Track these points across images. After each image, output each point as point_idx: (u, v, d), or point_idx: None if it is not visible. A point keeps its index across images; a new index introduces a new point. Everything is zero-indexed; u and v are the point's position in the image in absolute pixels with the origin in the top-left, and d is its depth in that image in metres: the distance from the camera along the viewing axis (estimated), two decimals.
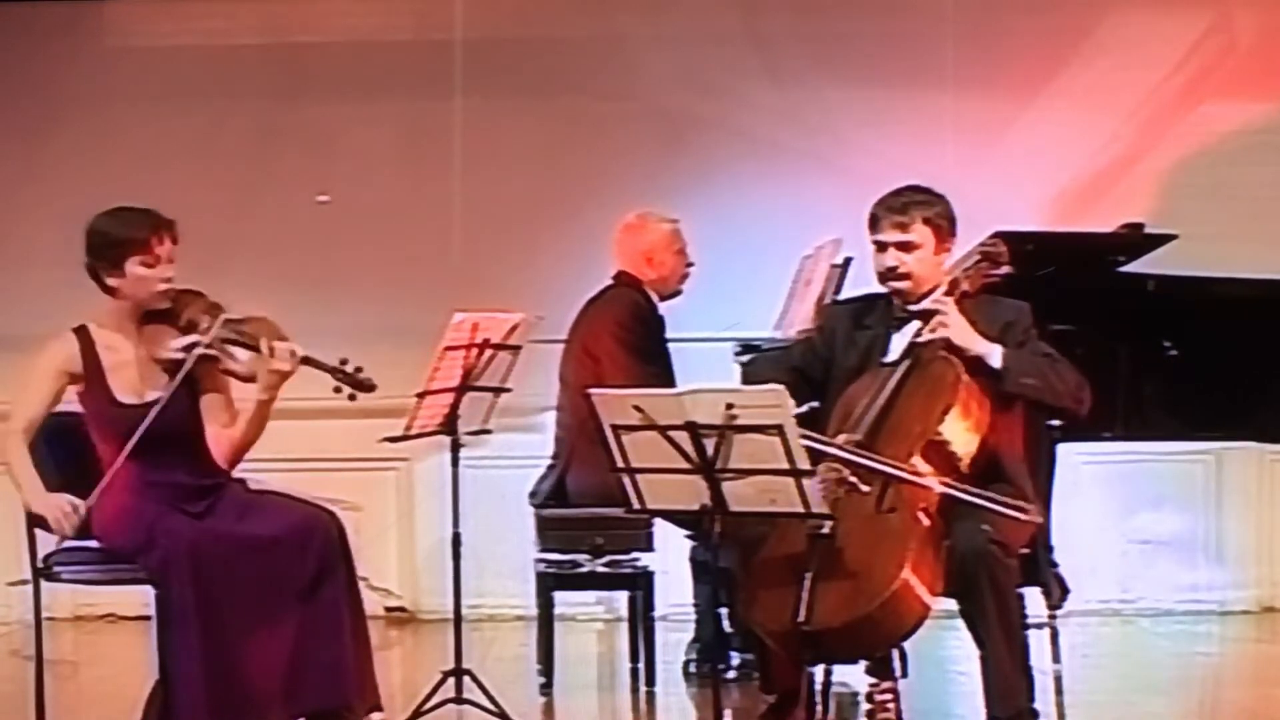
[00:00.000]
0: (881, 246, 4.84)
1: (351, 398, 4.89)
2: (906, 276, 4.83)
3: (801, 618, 4.28)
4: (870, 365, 4.86)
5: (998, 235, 4.97)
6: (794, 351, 5.23)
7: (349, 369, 4.89)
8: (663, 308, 6.36)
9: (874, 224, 4.86)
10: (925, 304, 4.80)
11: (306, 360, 4.86)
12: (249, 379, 4.95)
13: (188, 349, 4.89)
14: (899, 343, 4.82)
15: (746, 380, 4.99)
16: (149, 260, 4.90)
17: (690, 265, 6.42)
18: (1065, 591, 4.94)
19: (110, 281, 4.94)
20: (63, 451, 5.04)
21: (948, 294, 4.76)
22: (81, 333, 4.96)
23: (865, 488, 4.46)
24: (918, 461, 4.53)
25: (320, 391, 5.04)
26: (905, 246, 4.81)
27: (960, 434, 4.58)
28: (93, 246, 4.95)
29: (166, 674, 4.74)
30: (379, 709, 5.03)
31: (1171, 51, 7.77)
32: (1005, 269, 4.77)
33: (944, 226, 4.84)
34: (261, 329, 4.90)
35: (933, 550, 4.46)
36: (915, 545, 4.38)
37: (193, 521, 4.85)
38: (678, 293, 6.42)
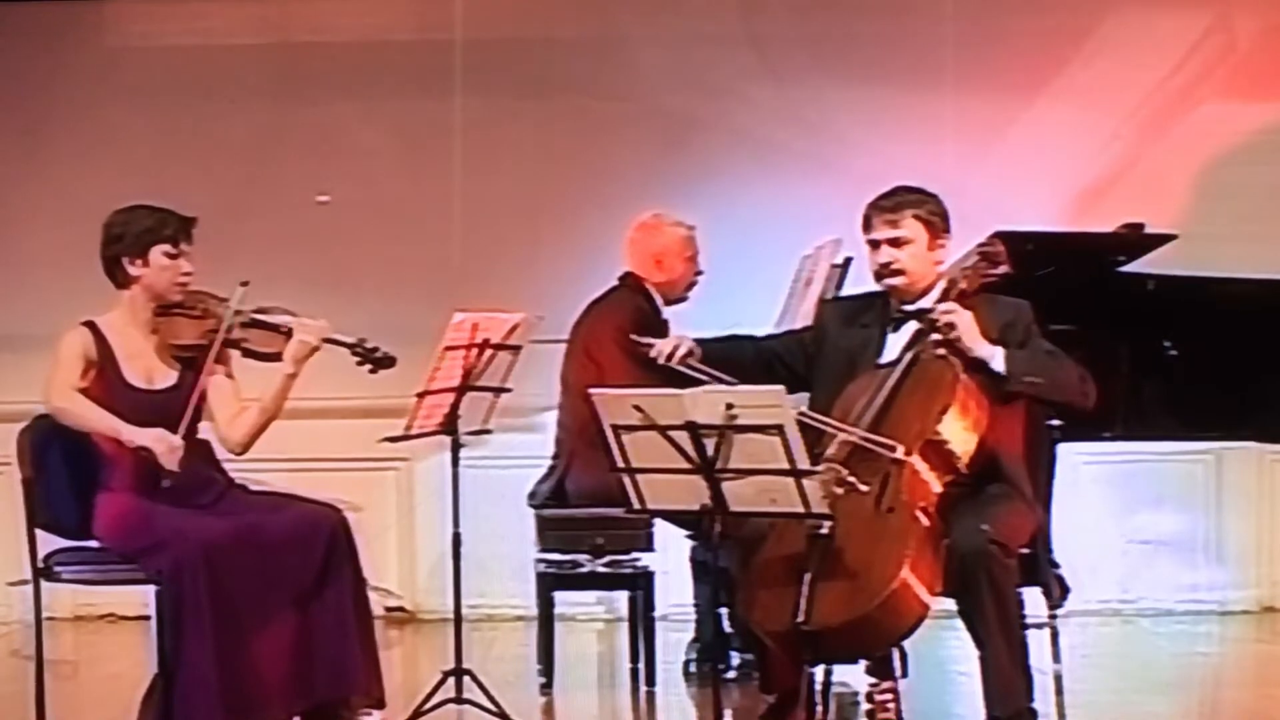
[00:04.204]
0: (875, 245, 4.87)
1: (372, 371, 5.05)
2: (901, 273, 4.84)
3: (801, 618, 4.28)
4: (859, 362, 4.86)
5: (997, 235, 4.97)
6: (780, 340, 5.23)
7: (368, 346, 5.07)
8: (667, 310, 6.36)
9: (866, 224, 4.89)
10: (923, 303, 4.82)
11: (329, 339, 5.02)
12: (273, 359, 5.04)
13: (213, 331, 4.99)
14: (896, 342, 4.82)
15: (708, 353, 4.97)
16: (173, 252, 5.01)
17: (699, 273, 6.41)
18: (1065, 591, 4.93)
19: (132, 270, 5.01)
20: (74, 452, 5.03)
21: (945, 293, 4.77)
22: (91, 325, 5.02)
23: (864, 487, 4.46)
24: (916, 460, 4.53)
25: (320, 391, 5.07)
26: (897, 242, 4.83)
27: (958, 433, 4.58)
28: (117, 235, 5.02)
29: (171, 673, 4.74)
30: (383, 704, 5.04)
31: (1171, 51, 7.77)
32: (1003, 269, 4.77)
33: (936, 222, 4.85)
34: (280, 311, 5.05)
35: (932, 550, 4.46)
36: (914, 545, 4.38)
37: (201, 520, 4.86)
38: (684, 298, 6.41)
